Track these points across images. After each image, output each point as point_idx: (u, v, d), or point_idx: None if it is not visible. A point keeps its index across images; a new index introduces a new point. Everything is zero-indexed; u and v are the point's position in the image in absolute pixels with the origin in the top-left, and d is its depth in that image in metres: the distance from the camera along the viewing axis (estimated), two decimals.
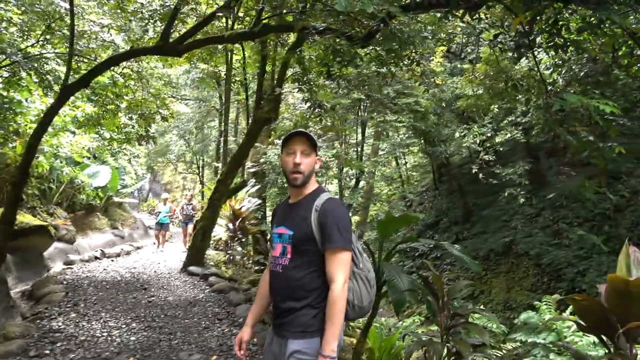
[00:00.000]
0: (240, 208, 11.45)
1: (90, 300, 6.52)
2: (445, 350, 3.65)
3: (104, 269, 9.09)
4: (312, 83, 6.44)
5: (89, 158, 13.83)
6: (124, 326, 5.53)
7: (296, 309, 2.22)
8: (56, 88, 8.93)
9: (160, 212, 13.65)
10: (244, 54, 8.87)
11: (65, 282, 7.42)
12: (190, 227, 12.74)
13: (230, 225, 11.24)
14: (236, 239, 11.22)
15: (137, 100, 9.36)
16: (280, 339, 2.29)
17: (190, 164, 25.21)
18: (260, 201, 11.99)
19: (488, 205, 17.82)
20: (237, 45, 9.57)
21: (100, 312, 5.99)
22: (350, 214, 2.27)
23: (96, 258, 10.41)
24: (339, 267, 2.14)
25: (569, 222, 15.05)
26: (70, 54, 6.12)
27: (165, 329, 5.58)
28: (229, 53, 9.33)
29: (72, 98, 10.96)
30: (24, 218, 8.57)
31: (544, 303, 9.56)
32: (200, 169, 23.87)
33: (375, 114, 13.55)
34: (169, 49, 5.65)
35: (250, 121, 8.97)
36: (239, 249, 11.28)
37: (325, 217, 2.19)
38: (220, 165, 14.68)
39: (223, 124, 10.28)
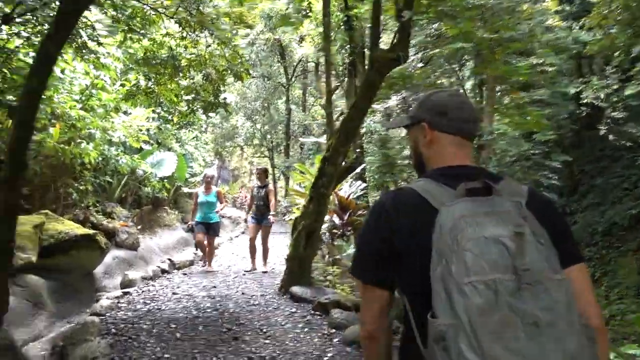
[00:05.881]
0: (348, 196, 8.30)
1: None
2: None
3: (174, 293, 6.14)
4: None
5: (150, 144, 11.22)
6: None
7: None
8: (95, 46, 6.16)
9: (202, 202, 7.81)
10: None
11: (113, 331, 4.54)
12: (267, 224, 7.73)
13: (337, 220, 8.04)
14: (344, 236, 8.04)
15: (201, 56, 6.40)
16: None
17: (259, 147, 22.37)
18: (365, 185, 8.70)
19: (601, 171, 14.14)
20: None
21: None
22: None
23: (163, 272, 7.52)
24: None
25: None
26: None
27: None
28: None
29: (122, 69, 8.32)
30: (63, 226, 5.86)
31: None
32: (270, 151, 21.05)
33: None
34: None
35: (367, 68, 5.80)
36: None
37: None
38: (321, 139, 10.98)
39: (324, 66, 7.14)
